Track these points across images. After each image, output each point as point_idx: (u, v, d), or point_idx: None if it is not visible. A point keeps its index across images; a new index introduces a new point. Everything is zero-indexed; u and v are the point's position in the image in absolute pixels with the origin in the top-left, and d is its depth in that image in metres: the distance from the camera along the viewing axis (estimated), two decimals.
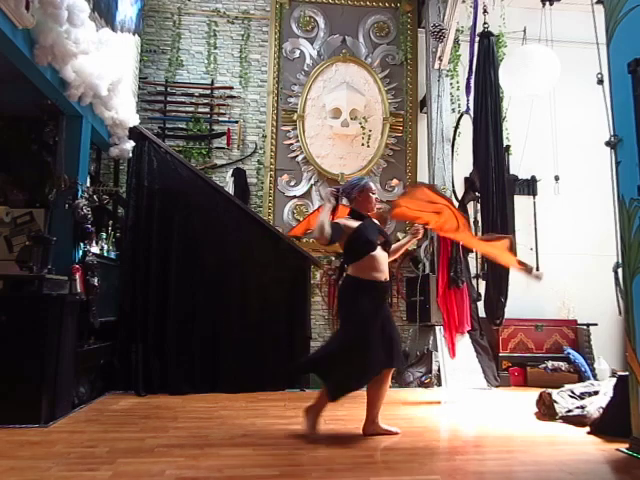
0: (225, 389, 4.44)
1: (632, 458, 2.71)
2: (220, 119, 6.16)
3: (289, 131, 6.18)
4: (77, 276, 3.63)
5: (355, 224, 3.14)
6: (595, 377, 5.06)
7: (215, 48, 6.27)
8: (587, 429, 3.25)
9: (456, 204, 5.43)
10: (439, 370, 4.78)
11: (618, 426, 2.94)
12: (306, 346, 4.91)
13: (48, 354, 3.31)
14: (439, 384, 4.89)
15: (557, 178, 5.78)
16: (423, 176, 6.03)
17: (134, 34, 5.42)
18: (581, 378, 4.97)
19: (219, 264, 4.75)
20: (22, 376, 3.22)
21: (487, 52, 5.07)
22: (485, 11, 5.12)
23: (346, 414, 3.65)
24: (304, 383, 4.73)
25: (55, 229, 3.85)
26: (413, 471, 2.46)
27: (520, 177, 6.20)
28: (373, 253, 3.08)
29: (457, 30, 5.76)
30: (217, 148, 6.11)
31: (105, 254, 4.47)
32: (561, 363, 5.23)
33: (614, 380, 3.33)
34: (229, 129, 6.12)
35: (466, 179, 5.70)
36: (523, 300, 5.54)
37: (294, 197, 6.11)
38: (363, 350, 2.95)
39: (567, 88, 5.74)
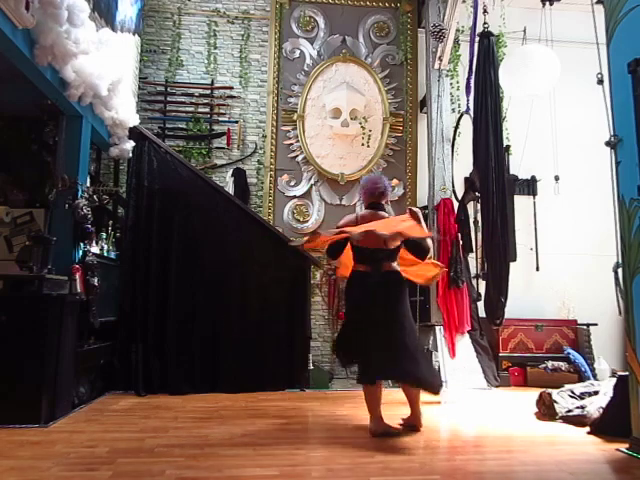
0: (225, 389, 4.45)
1: (632, 458, 2.71)
2: (220, 119, 6.16)
3: (289, 131, 6.18)
4: (77, 276, 3.63)
5: None
6: (595, 377, 5.06)
7: (215, 48, 6.27)
8: (587, 429, 3.25)
9: (456, 204, 5.48)
10: (439, 370, 4.78)
11: (618, 426, 2.94)
12: (306, 346, 4.92)
13: (48, 354, 3.31)
14: None
15: (557, 178, 5.78)
16: (423, 176, 6.03)
17: (134, 34, 5.42)
18: (581, 378, 4.97)
19: (219, 264, 4.75)
20: (22, 376, 3.22)
21: (487, 52, 5.06)
22: (485, 11, 5.10)
23: (346, 414, 3.66)
24: (304, 383, 4.73)
25: (55, 229, 3.85)
26: (413, 471, 2.46)
27: (520, 177, 6.20)
28: None
29: (457, 30, 5.75)
30: (217, 148, 6.11)
31: (105, 254, 4.47)
32: (561, 363, 5.23)
33: (614, 380, 3.33)
34: (229, 129, 6.12)
35: (466, 179, 5.70)
36: (523, 300, 5.54)
37: (294, 197, 6.10)
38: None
39: (567, 88, 5.73)
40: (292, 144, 6.17)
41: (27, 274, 3.40)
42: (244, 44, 6.31)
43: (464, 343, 5.01)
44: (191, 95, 6.16)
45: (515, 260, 5.54)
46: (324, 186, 6.14)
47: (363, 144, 6.20)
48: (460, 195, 5.64)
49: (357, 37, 6.42)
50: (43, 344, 3.29)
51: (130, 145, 4.73)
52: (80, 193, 3.93)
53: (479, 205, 5.39)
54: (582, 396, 3.69)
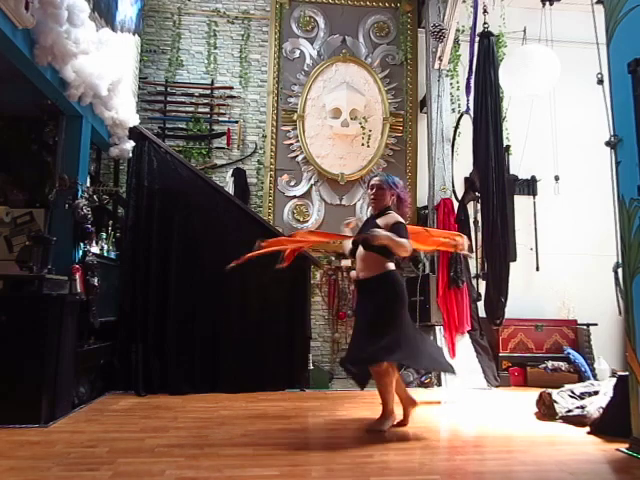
0: (225, 389, 4.44)
1: (632, 458, 2.71)
2: (220, 119, 6.16)
3: (289, 131, 6.18)
4: (77, 276, 3.63)
5: None
6: (595, 377, 5.05)
7: (215, 48, 6.27)
8: (587, 429, 3.25)
9: (456, 204, 5.48)
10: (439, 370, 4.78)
11: (618, 426, 2.94)
12: (306, 346, 4.91)
13: (48, 354, 3.31)
14: (439, 384, 4.89)
15: (557, 178, 5.78)
16: (423, 176, 6.04)
17: (134, 34, 5.42)
18: (581, 378, 4.97)
19: (219, 264, 4.72)
20: (22, 376, 3.22)
21: (487, 52, 5.07)
22: (485, 11, 5.11)
23: (346, 414, 3.66)
24: (304, 383, 4.73)
25: (55, 229, 3.85)
26: (413, 471, 2.46)
27: (520, 177, 6.20)
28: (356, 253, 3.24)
29: (457, 30, 5.76)
30: (217, 148, 6.11)
31: (105, 254, 4.47)
32: (561, 363, 5.23)
33: (614, 380, 3.32)
34: (229, 129, 6.12)
35: (466, 179, 5.70)
36: (523, 300, 5.54)
37: (294, 197, 6.10)
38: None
39: (567, 88, 5.74)
40: (292, 144, 6.17)
41: (27, 274, 3.40)
42: (244, 44, 6.31)
43: (464, 343, 5.01)
44: (191, 95, 6.16)
45: (515, 260, 5.54)
46: (324, 186, 6.14)
47: (363, 144, 6.20)
48: (460, 195, 5.64)
49: (357, 37, 6.42)
50: (43, 344, 3.29)
51: (130, 145, 4.72)
52: (80, 193, 3.93)
53: (479, 205, 5.40)
54: (582, 396, 3.69)
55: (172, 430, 3.15)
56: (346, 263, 5.71)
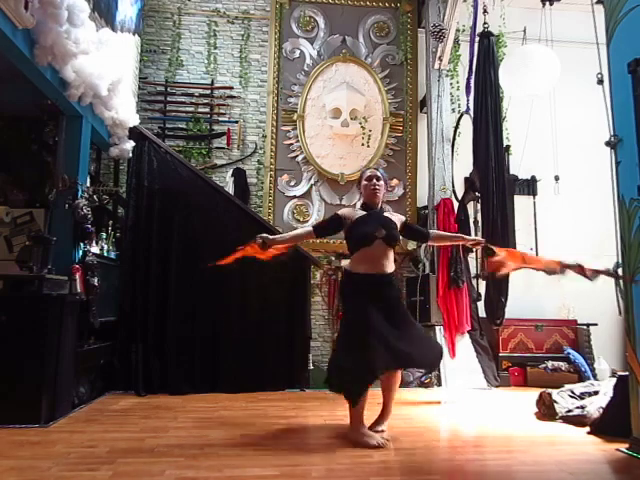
0: (225, 389, 4.44)
1: (632, 458, 2.71)
2: (220, 119, 6.16)
3: (289, 131, 6.18)
4: (77, 276, 3.63)
5: (356, 215, 3.13)
6: (595, 377, 5.06)
7: (215, 48, 6.27)
8: (587, 429, 3.25)
9: (456, 204, 5.48)
10: (439, 370, 4.79)
11: (618, 426, 2.94)
12: (306, 346, 4.92)
13: (48, 354, 3.31)
14: (439, 384, 4.90)
15: (557, 178, 5.78)
16: (423, 176, 6.04)
17: (134, 34, 5.42)
18: (581, 378, 4.97)
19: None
20: (22, 376, 3.22)
21: (487, 52, 5.06)
22: (485, 11, 5.11)
23: (346, 414, 3.65)
24: (304, 383, 4.73)
25: (55, 229, 3.85)
26: (413, 471, 2.46)
27: (520, 177, 6.20)
28: (367, 247, 3.00)
29: (457, 30, 5.76)
30: (217, 148, 6.11)
31: (105, 254, 4.47)
32: (561, 363, 5.23)
33: (614, 380, 3.33)
34: (229, 129, 6.12)
35: (466, 179, 5.70)
36: (523, 300, 5.53)
37: (294, 197, 6.10)
38: (356, 346, 2.80)
39: (567, 88, 5.73)
40: (292, 144, 6.17)
41: (27, 274, 3.40)
42: (244, 44, 6.31)
43: (464, 343, 5.01)
44: (191, 95, 6.16)
45: None
46: (324, 186, 6.14)
47: (363, 144, 6.20)
48: (460, 195, 5.64)
49: (357, 37, 6.42)
50: (43, 344, 3.29)
51: (130, 145, 4.72)
52: (80, 193, 3.93)
53: (479, 205, 5.39)
54: (582, 396, 3.69)
55: (172, 430, 3.15)
56: (346, 263, 5.70)
